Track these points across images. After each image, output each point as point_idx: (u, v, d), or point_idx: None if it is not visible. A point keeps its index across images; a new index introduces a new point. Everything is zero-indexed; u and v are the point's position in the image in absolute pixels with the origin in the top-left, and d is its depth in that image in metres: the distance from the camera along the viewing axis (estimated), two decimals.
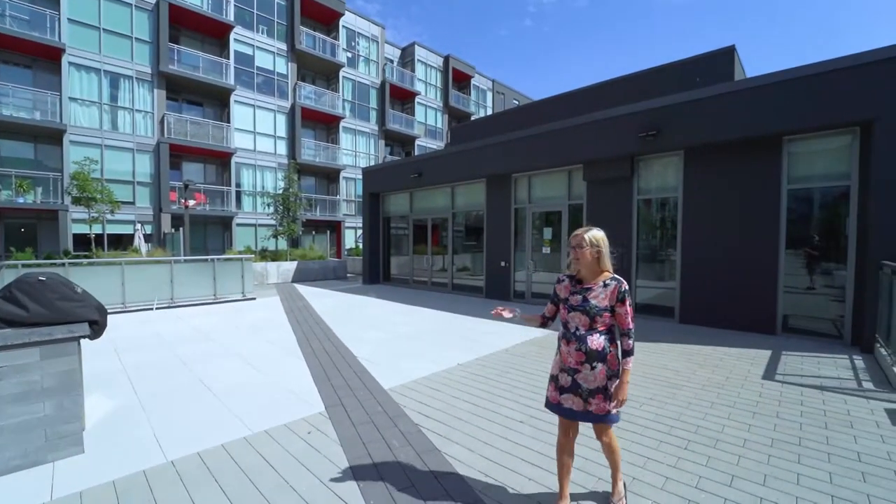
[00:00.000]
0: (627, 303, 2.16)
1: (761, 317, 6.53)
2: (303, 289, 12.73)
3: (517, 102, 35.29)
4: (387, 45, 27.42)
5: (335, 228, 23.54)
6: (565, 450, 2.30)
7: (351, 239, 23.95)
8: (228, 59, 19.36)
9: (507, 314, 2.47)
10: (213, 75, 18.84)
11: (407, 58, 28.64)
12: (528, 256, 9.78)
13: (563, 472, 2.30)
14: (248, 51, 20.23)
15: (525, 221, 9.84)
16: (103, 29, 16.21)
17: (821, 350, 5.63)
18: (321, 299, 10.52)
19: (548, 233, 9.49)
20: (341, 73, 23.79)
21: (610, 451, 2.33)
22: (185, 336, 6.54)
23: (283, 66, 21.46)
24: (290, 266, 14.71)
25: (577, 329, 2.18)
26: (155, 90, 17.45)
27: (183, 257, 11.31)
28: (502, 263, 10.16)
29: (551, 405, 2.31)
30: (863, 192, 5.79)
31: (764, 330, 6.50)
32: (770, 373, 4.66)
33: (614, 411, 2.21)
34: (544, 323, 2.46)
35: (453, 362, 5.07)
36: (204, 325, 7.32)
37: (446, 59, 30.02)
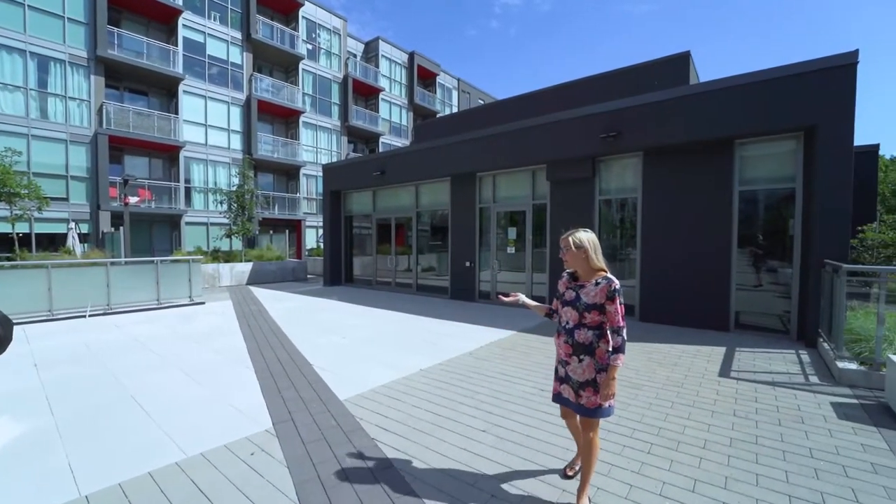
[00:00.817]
0: (617, 301, 2.21)
1: (716, 314, 6.75)
2: (258, 292, 12.09)
3: (483, 102, 35.45)
4: (349, 38, 26.71)
5: (295, 228, 22.66)
6: (570, 424, 2.59)
7: (312, 239, 23.16)
8: (177, 46, 18.12)
9: (509, 299, 2.64)
10: (159, 63, 17.57)
11: (371, 53, 28.04)
12: (492, 256, 9.71)
13: (577, 435, 2.59)
14: (199, 38, 19.03)
15: (490, 221, 9.77)
16: (28, 6, 14.69)
17: (770, 345, 5.87)
18: (277, 303, 9.99)
19: (512, 232, 9.46)
20: (301, 66, 22.92)
21: (589, 448, 2.34)
22: (120, 346, 5.94)
23: (237, 55, 20.37)
24: (244, 267, 13.95)
25: (566, 323, 2.33)
26: (92, 76, 16.04)
27: (123, 259, 10.44)
28: (467, 263, 10.04)
29: (553, 395, 2.52)
30: (806, 195, 6.09)
31: (718, 327, 6.72)
32: (726, 370, 4.77)
33: (606, 405, 2.27)
34: (549, 314, 2.59)
35: (415, 368, 4.86)
36: (143, 334, 6.70)
37: (411, 56, 29.65)
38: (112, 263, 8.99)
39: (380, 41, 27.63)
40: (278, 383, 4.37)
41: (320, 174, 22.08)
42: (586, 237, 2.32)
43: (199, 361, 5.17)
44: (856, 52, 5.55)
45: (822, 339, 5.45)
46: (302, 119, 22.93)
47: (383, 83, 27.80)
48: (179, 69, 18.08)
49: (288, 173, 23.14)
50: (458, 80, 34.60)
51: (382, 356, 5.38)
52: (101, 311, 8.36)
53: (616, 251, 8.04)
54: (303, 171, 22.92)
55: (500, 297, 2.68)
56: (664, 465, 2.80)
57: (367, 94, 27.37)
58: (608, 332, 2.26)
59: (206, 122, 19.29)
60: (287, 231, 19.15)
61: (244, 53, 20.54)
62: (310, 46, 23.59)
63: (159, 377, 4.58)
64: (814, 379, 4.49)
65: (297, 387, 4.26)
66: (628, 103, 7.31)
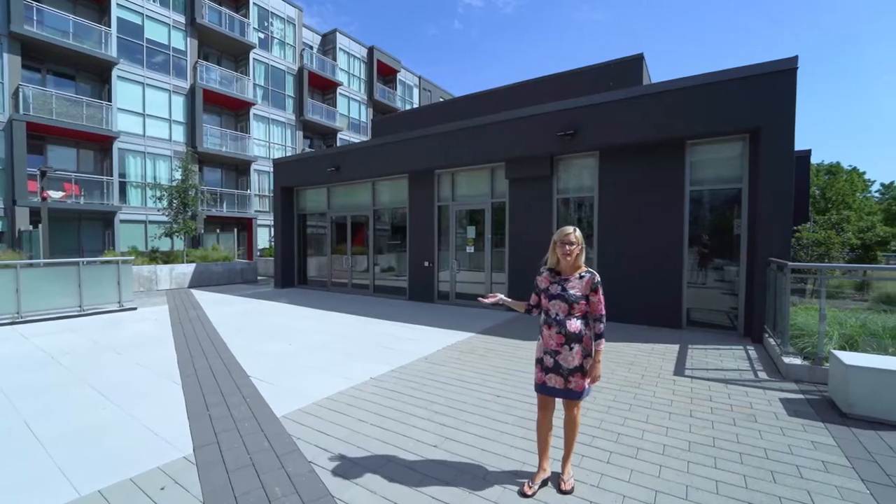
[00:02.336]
0: (600, 292, 2.46)
1: (669, 312, 6.86)
2: (201, 295, 11.19)
3: (443, 100, 35.25)
4: (305, 29, 25.63)
5: (245, 226, 21.43)
6: (544, 426, 2.56)
7: (264, 238, 22.00)
8: (109, 26, 16.55)
9: (489, 300, 2.73)
10: (88, 43, 15.95)
11: (328, 45, 27.07)
12: (452, 256, 9.48)
13: (543, 447, 2.56)
14: (136, 19, 17.49)
15: (449, 220, 9.53)
16: None
17: (720, 342, 6.01)
18: (221, 307, 9.25)
19: (472, 231, 9.27)
20: (252, 55, 21.69)
21: (574, 425, 2.55)
22: (23, 361, 5.16)
23: (180, 41, 18.92)
24: (186, 269, 12.91)
25: (557, 315, 2.45)
26: (6, 55, 14.29)
27: (42, 260, 9.30)
28: (426, 263, 9.75)
29: (538, 385, 2.56)
30: (752, 195, 6.29)
31: (671, 324, 6.84)
32: (680, 368, 4.78)
33: (588, 386, 2.48)
34: (529, 309, 2.69)
35: (365, 376, 4.51)
36: (55, 345, 5.89)
37: (371, 51, 28.93)
38: (25, 265, 7.94)
39: (337, 33, 26.73)
40: (208, 399, 3.88)
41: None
42: (580, 235, 2.51)
43: (118, 376, 4.55)
44: (795, 59, 5.77)
45: (767, 335, 5.62)
46: (253, 111, 21.71)
47: (341, 77, 26.93)
48: (113, 52, 16.53)
49: (238, 168, 21.85)
50: (420, 77, 34.22)
51: (331, 364, 4.98)
52: (7, 321, 7.33)
53: None
54: (254, 166, 21.72)
55: (480, 299, 2.82)
56: (624, 476, 2.64)
57: (324, 87, 26.40)
58: (593, 320, 2.47)
59: (145, 112, 17.76)
60: (236, 230, 17.98)
61: (188, 39, 19.13)
62: (262, 35, 22.38)
63: (64, 397, 3.95)
64: (762, 375, 4.57)
65: (229, 403, 3.79)
66: (585, 102, 7.30)
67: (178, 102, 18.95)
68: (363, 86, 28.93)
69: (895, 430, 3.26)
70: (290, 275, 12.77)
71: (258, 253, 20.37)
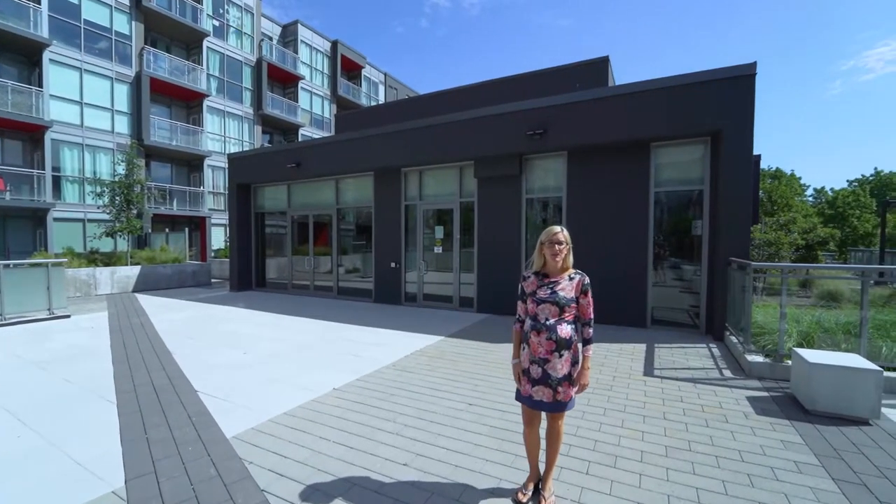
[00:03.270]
0: (589, 294, 2.33)
1: (634, 311, 6.95)
2: (147, 300, 10.33)
3: (411, 97, 34.87)
4: (265, 19, 24.51)
5: (198, 226, 20.19)
6: (532, 440, 2.43)
7: (219, 238, 20.81)
8: (39, 3, 15.03)
9: (518, 375, 2.44)
10: (14, 21, 14.41)
11: (289, 37, 26.03)
12: (419, 256, 9.24)
13: (532, 456, 2.45)
14: None
15: (416, 219, 9.27)
16: None
17: (683, 340, 6.12)
18: (169, 313, 8.54)
19: (440, 231, 9.06)
20: (206, 44, 20.45)
21: (557, 437, 2.41)
22: None
23: (124, 24, 17.52)
24: (130, 272, 11.90)
25: (546, 319, 2.28)
26: None
27: None
28: (392, 264, 9.45)
29: (522, 398, 2.38)
30: (713, 197, 6.46)
31: (637, 324, 6.93)
32: (649, 369, 4.79)
33: (574, 396, 2.34)
34: (523, 328, 2.45)
35: (328, 386, 4.20)
36: None
37: (334, 45, 28.11)
38: None
39: (299, 25, 25.76)
40: (147, 420, 3.44)
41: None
42: (568, 235, 2.39)
43: (40, 396, 3.99)
44: (754, 65, 5.96)
45: (728, 333, 5.77)
46: (207, 103, 20.48)
47: (303, 71, 25.98)
48: (44, 33, 15.03)
49: (190, 164, 20.54)
50: (386, 74, 33.67)
51: (290, 374, 4.61)
52: None
53: None
54: (208, 161, 20.50)
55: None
56: (605, 489, 2.52)
57: (284, 81, 25.37)
58: (582, 324, 2.35)
59: (82, 100, 16.30)
60: (188, 229, 16.82)
61: (133, 23, 17.74)
62: (216, 23, 21.17)
63: None
64: (727, 373, 4.65)
65: (171, 424, 3.38)
66: (554, 101, 7.27)
67: (122, 91, 17.54)
68: (326, 81, 28.07)
69: (854, 425, 3.35)
70: (247, 277, 12.06)
71: (212, 254, 19.24)
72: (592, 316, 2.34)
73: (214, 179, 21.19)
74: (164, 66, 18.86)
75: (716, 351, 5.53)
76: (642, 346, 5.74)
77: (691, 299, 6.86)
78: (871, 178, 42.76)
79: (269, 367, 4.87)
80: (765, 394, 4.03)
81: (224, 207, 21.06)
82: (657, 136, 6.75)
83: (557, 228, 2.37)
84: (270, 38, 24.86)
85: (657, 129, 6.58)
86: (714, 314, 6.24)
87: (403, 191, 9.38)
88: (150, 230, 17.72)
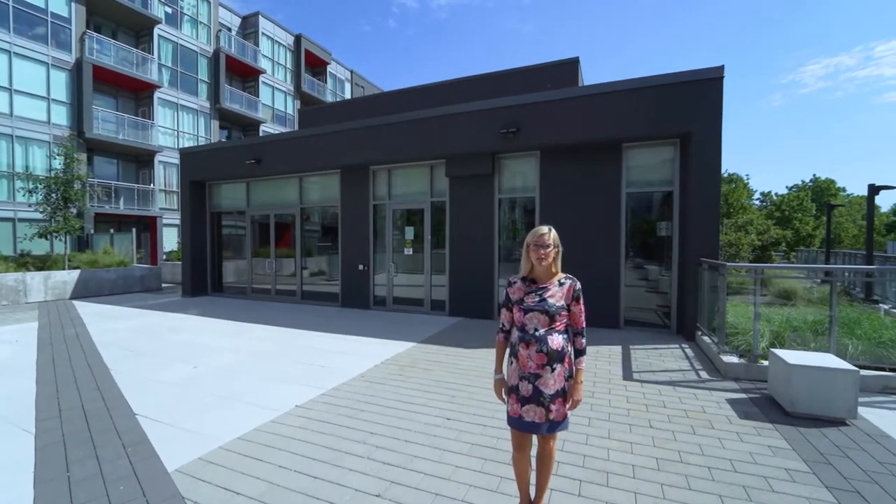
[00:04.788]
0: (581, 301, 2.12)
1: (608, 313, 6.91)
2: (86, 308, 9.38)
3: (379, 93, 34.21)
4: (223, 9, 23.27)
5: (149, 226, 18.81)
6: (523, 466, 2.18)
7: (172, 239, 19.48)
8: None
9: (501, 392, 2.22)
10: None
11: (249, 29, 24.85)
12: (388, 258, 8.87)
13: (522, 482, 2.22)
14: None
15: (386, 220, 8.91)
16: None
17: (656, 341, 6.11)
18: (110, 322, 7.74)
19: (410, 232, 8.73)
20: (157, 31, 19.11)
21: (550, 460, 2.19)
22: None
23: (61, 5, 16.03)
24: (67, 277, 10.80)
25: (535, 330, 2.05)
26: None
27: None
28: (360, 266, 9.03)
29: (512, 420, 2.11)
30: (683, 197, 6.51)
31: (610, 325, 6.89)
32: (628, 372, 4.68)
33: (568, 413, 2.12)
34: (507, 339, 2.21)
35: (289, 403, 3.79)
36: None
37: (298, 39, 27.11)
38: None
39: (260, 17, 24.65)
40: (70, 454, 2.93)
41: None
42: (556, 236, 2.16)
43: None
44: (722, 68, 6.04)
45: (700, 333, 5.80)
46: (158, 95, 19.13)
47: (265, 64, 24.88)
48: None
49: (139, 160, 19.13)
50: (352, 71, 32.88)
51: (247, 391, 4.16)
52: None
53: (511, 251, 7.86)
54: (159, 157, 19.15)
55: (504, 396, 2.21)
56: None
57: (244, 74, 24.19)
58: (573, 334, 2.13)
59: (12, 87, 14.76)
60: (136, 230, 15.56)
61: (73, 4, 16.27)
62: (168, 9, 19.84)
63: None
64: (704, 374, 4.62)
65: (101, 456, 2.89)
66: (528, 99, 7.13)
67: (60, 79, 16.06)
68: (290, 76, 27.03)
69: (833, 425, 3.34)
70: (202, 281, 11.24)
71: (164, 256, 17.95)
72: (584, 325, 2.14)
73: (167, 176, 19.83)
74: (110, 53, 17.44)
75: (689, 351, 5.53)
76: (618, 349, 5.67)
77: (662, 299, 6.90)
78: (809, 183, 46.13)
79: (222, 383, 4.38)
80: (743, 395, 3.99)
81: (178, 206, 19.73)
82: (629, 137, 6.74)
83: (545, 229, 2.14)
84: (229, 29, 23.64)
85: (629, 129, 6.56)
86: (685, 314, 6.27)
87: (372, 190, 8.99)
88: (92, 231, 16.31)
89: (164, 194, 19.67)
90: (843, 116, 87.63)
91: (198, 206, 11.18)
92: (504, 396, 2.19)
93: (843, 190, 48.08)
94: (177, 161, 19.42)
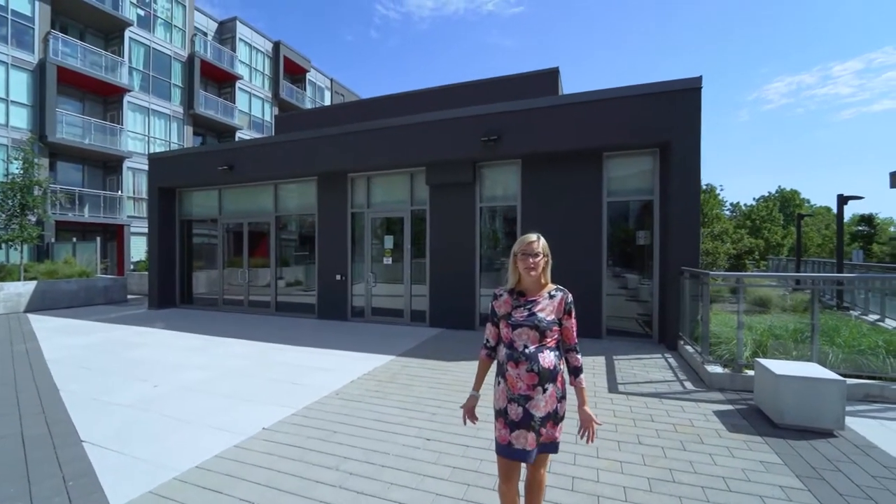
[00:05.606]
0: (573, 315, 1.97)
1: (590, 322, 6.82)
2: (41, 322, 8.75)
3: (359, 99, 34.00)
4: (199, 13, 22.78)
5: (115, 235, 17.98)
6: (509, 497, 1.96)
7: (140, 248, 18.62)
8: None
9: (474, 414, 2.05)
10: None
11: (226, 34, 24.38)
12: (367, 268, 8.61)
13: None
14: None
15: (364, 228, 8.66)
16: None
17: (639, 351, 6.04)
18: (66, 338, 7.22)
19: (389, 241, 8.52)
20: (128, 34, 18.49)
21: (540, 489, 2.04)
22: None
23: (24, 4, 15.32)
24: (22, 288, 10.10)
25: (525, 347, 1.88)
26: None
27: None
28: (338, 277, 8.74)
29: (501, 447, 1.90)
30: (663, 206, 6.53)
31: (593, 335, 6.80)
32: (613, 384, 4.56)
33: (559, 437, 1.95)
34: (490, 356, 2.04)
35: (256, 426, 3.50)
36: None
37: (276, 46, 26.75)
38: None
39: (238, 22, 24.23)
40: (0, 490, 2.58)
41: None
42: (546, 244, 1.99)
43: None
44: (699, 78, 6.12)
45: (682, 342, 5.76)
46: (128, 99, 18.45)
47: (242, 71, 24.40)
48: None
49: (106, 165, 18.33)
50: (332, 80, 32.64)
51: (211, 411, 3.85)
52: None
53: (493, 261, 7.74)
54: (128, 163, 18.41)
55: (470, 418, 2.06)
56: None
57: (220, 80, 23.64)
58: (566, 350, 1.98)
59: None
60: (100, 239, 14.80)
61: (36, 3, 15.58)
62: (141, 12, 19.26)
63: None
64: (689, 385, 4.54)
65: (34, 494, 2.56)
66: (509, 107, 7.08)
67: (21, 80, 15.29)
68: (268, 83, 26.59)
69: (821, 437, 3.28)
70: (170, 293, 10.70)
71: (131, 266, 17.15)
72: (577, 340, 1.99)
73: (136, 183, 19.05)
74: (77, 55, 16.73)
75: (672, 361, 5.47)
76: (601, 359, 5.56)
77: (644, 308, 6.87)
78: (776, 194, 48.04)
79: (184, 404, 4.05)
80: (730, 407, 3.92)
81: (146, 214, 18.95)
82: (609, 146, 6.74)
83: (533, 236, 1.97)
84: (205, 34, 23.13)
85: (609, 138, 6.57)
86: (667, 323, 6.24)
87: (350, 198, 8.76)
88: (53, 240, 15.45)
89: (133, 202, 18.88)
90: (805, 132, 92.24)
91: (167, 213, 10.69)
92: (472, 419, 2.03)
93: (808, 201, 50.25)
94: (146, 167, 18.71)
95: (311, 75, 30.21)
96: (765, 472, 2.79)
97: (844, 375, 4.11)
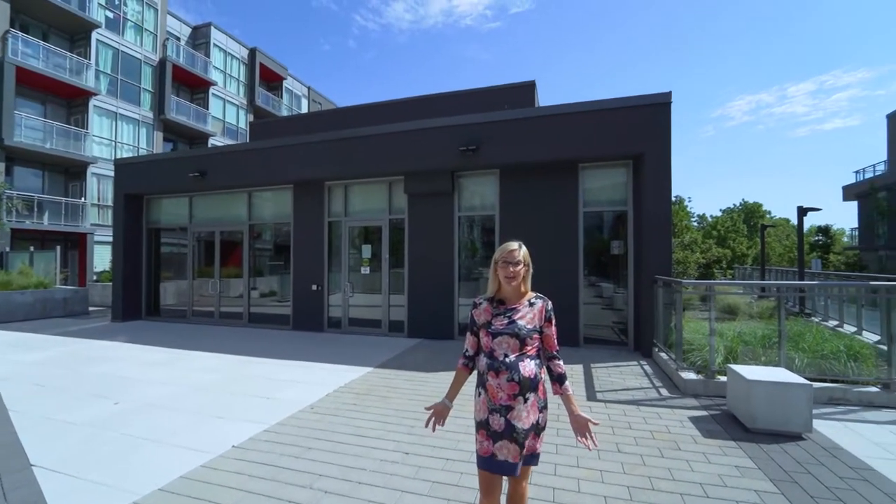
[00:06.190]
0: (553, 322, 1.98)
1: (568, 331, 6.86)
2: None
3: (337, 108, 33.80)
4: (172, 17, 22.27)
5: (77, 244, 17.12)
6: None
7: (104, 258, 17.79)
8: None
9: (441, 418, 2.02)
10: None
11: (200, 39, 23.89)
12: (344, 277, 8.46)
13: None
14: None
15: (342, 238, 8.53)
16: None
17: (615, 358, 6.11)
18: (18, 353, 6.76)
19: (367, 250, 8.40)
20: (95, 36, 17.86)
21: (522, 502, 1.96)
22: None
23: None
24: None
25: (505, 356, 1.86)
26: None
27: None
28: (314, 287, 8.54)
29: (482, 460, 1.84)
30: (636, 216, 6.69)
31: (570, 343, 6.85)
32: (591, 392, 4.59)
33: (539, 448, 1.93)
34: (468, 366, 2.00)
35: (225, 444, 3.33)
36: None
37: (252, 52, 26.38)
38: None
39: (212, 28, 23.80)
40: None
41: None
42: (527, 252, 1.99)
43: None
44: (669, 94, 6.35)
45: (657, 350, 5.87)
46: (94, 103, 17.75)
47: (216, 77, 23.91)
48: None
49: (69, 171, 17.51)
50: (309, 88, 32.38)
51: (176, 429, 3.64)
52: None
53: (471, 270, 7.75)
54: (92, 169, 17.65)
55: (435, 422, 2.04)
56: None
57: (193, 85, 23.09)
58: (547, 359, 1.96)
59: None
60: (61, 248, 14.06)
61: None
62: (110, 14, 18.68)
63: None
64: (664, 392, 4.61)
65: None
66: (488, 118, 7.16)
67: None
68: (243, 89, 26.14)
69: (791, 440, 3.37)
70: (136, 304, 10.21)
71: (94, 277, 16.33)
72: (558, 348, 1.99)
73: (101, 190, 18.26)
74: (38, 55, 16.02)
75: (648, 368, 5.56)
76: (579, 368, 5.60)
77: (619, 317, 6.98)
78: (740, 206, 50.27)
79: (148, 421, 3.82)
80: (704, 413, 3.99)
81: (111, 222, 18.15)
82: (584, 157, 6.90)
83: (514, 245, 1.97)
84: (178, 39, 22.60)
85: (584, 150, 6.71)
86: (641, 331, 6.36)
87: (327, 206, 8.62)
88: (8, 248, 14.57)
89: (98, 209, 18.08)
90: (765, 147, 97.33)
91: (133, 221, 10.25)
92: (439, 422, 2.00)
93: (770, 212, 52.76)
94: (112, 173, 17.97)
95: (288, 83, 29.90)
96: (740, 476, 2.83)
97: (810, 379, 4.27)
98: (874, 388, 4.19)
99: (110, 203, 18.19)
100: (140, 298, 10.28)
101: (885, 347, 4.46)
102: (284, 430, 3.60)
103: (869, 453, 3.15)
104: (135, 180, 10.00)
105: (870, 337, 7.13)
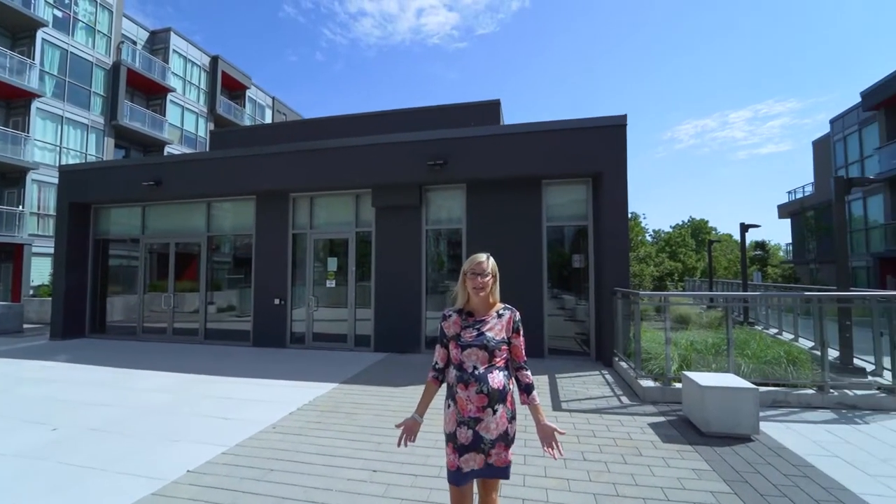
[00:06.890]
0: (521, 333, 2.00)
1: (533, 343, 7.00)
2: None
3: (303, 119, 33.27)
4: (128, 21, 21.34)
5: (13, 255, 15.75)
6: None
7: (44, 271, 16.44)
8: None
9: (412, 434, 1.96)
10: None
11: (158, 44, 23.00)
12: (309, 291, 8.25)
13: None
14: None
15: (306, 251, 8.34)
16: None
17: (579, 368, 6.28)
18: None
19: (333, 263, 8.26)
20: (41, 35, 16.81)
21: None
22: None
23: None
24: None
25: (474, 368, 1.86)
26: None
27: None
28: (277, 301, 8.27)
29: (451, 474, 1.86)
30: (596, 231, 6.98)
31: (535, 354, 6.97)
32: (557, 402, 4.69)
33: (511, 459, 1.89)
34: (438, 378, 2.00)
35: (179, 469, 3.13)
36: None
37: (214, 60, 25.65)
38: None
39: (172, 33, 22.99)
40: None
41: None
42: (495, 264, 2.03)
43: None
44: (625, 116, 6.75)
45: (617, 359, 6.09)
46: (37, 105, 16.60)
47: (175, 83, 23.02)
48: None
49: (6, 177, 16.17)
50: (274, 98, 31.78)
51: (123, 455, 3.39)
52: None
53: (438, 283, 7.79)
54: (32, 175, 16.39)
55: (406, 438, 1.97)
56: None
57: (149, 91, 22.09)
58: (515, 369, 1.97)
59: None
60: None
61: None
62: (59, 13, 17.66)
63: None
64: (625, 400, 4.78)
65: None
66: (455, 134, 7.31)
67: None
68: (203, 97, 25.28)
69: (741, 442, 3.58)
70: (78, 320, 9.47)
71: (31, 292, 15.03)
72: (526, 358, 1.99)
73: (42, 198, 16.97)
74: None
75: (609, 377, 5.75)
76: (545, 378, 5.71)
77: (581, 328, 7.20)
78: (688, 223, 53.44)
79: (91, 448, 3.53)
80: (662, 419, 4.17)
81: (53, 233, 16.85)
82: (547, 174, 7.16)
83: (482, 256, 1.99)
84: (134, 42, 21.65)
85: (546, 167, 6.99)
86: (602, 341, 6.59)
87: (291, 218, 8.43)
88: None
89: (38, 218, 16.77)
90: (709, 169, 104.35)
91: (78, 231, 9.57)
92: (409, 438, 1.94)
93: (715, 228, 56.34)
94: (55, 180, 16.77)
95: (252, 92, 29.23)
96: (697, 479, 2.97)
97: (755, 384, 4.56)
98: (811, 391, 4.53)
99: (52, 212, 16.93)
100: (84, 314, 9.55)
101: (818, 353, 4.85)
102: (244, 452, 3.43)
103: (809, 451, 3.40)
104: (82, 188, 9.38)
105: (805, 343, 7.71)
